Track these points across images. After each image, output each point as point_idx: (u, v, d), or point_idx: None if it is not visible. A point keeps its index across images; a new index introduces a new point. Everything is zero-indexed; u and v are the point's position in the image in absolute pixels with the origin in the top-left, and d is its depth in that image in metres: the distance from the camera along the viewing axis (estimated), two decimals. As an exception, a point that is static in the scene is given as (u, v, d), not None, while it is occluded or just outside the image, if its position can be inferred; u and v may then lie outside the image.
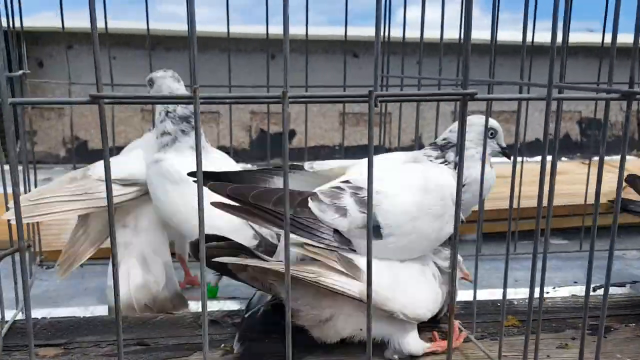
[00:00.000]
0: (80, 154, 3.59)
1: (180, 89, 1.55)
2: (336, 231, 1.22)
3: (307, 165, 1.38)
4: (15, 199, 0.71)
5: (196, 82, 0.72)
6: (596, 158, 2.46)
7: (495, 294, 1.67)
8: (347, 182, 1.26)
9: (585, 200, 2.02)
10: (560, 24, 0.87)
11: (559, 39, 0.89)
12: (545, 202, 0.98)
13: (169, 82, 1.55)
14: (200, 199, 0.75)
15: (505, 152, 1.38)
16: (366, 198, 1.18)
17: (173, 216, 1.51)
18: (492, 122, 1.33)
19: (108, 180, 0.73)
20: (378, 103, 0.74)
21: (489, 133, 1.32)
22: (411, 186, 1.24)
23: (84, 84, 1.72)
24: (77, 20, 3.49)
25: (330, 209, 1.22)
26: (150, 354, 1.31)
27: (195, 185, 1.42)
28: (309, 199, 1.22)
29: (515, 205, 2.04)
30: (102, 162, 1.54)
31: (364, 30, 3.84)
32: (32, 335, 0.72)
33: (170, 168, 1.49)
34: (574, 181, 2.53)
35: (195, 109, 0.73)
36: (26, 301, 0.75)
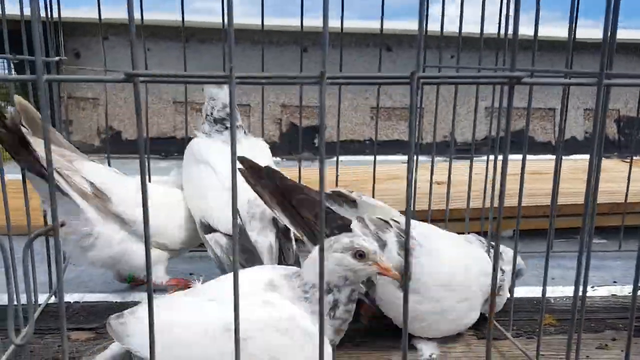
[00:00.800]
0: (115, 144, 3.62)
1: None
2: None
3: (355, 195, 1.36)
4: (50, 176, 0.70)
5: (232, 61, 0.70)
6: (637, 157, 2.39)
7: (531, 291, 1.62)
8: (395, 221, 1.27)
9: (626, 199, 1.95)
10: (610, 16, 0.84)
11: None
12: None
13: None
14: (234, 184, 0.73)
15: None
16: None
17: (186, 188, 1.59)
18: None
19: (143, 174, 0.71)
20: (420, 85, 0.71)
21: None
22: None
23: (119, 70, 1.73)
24: (113, 12, 3.53)
25: (372, 236, 1.21)
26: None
27: (219, 167, 1.49)
28: (355, 219, 1.23)
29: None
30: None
31: (398, 24, 3.79)
32: (64, 316, 0.72)
33: (195, 146, 1.60)
34: (613, 179, 2.45)
35: (231, 89, 0.71)
36: (59, 280, 0.74)
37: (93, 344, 1.28)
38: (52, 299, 1.47)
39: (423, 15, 0.71)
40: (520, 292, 1.61)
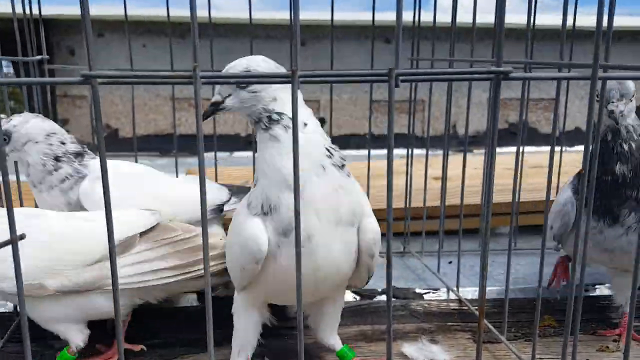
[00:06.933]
0: (111, 142, 3.58)
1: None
2: None
3: None
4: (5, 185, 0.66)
5: (196, 60, 0.65)
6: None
7: (531, 291, 1.57)
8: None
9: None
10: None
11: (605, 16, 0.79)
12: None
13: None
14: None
15: None
16: None
17: None
18: None
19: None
20: (399, 83, 0.66)
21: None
22: None
23: (102, 70, 1.69)
24: (108, 8, 3.49)
25: None
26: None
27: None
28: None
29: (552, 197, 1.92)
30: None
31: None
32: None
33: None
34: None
35: (196, 88, 0.66)
36: (20, 298, 0.70)
37: None
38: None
39: (401, 10, 0.67)
40: (519, 292, 1.57)
